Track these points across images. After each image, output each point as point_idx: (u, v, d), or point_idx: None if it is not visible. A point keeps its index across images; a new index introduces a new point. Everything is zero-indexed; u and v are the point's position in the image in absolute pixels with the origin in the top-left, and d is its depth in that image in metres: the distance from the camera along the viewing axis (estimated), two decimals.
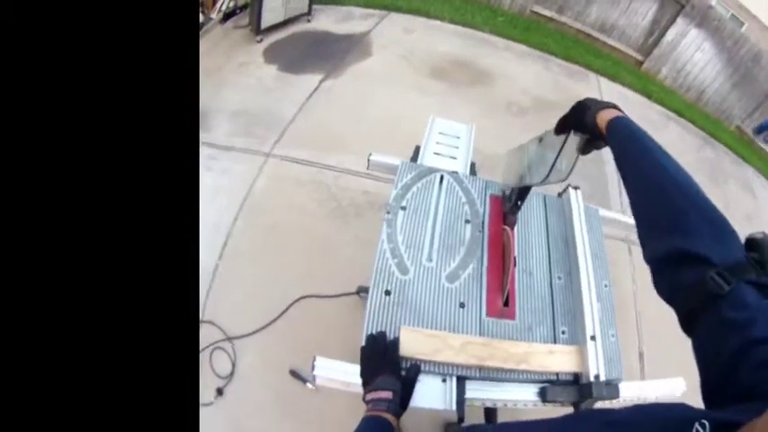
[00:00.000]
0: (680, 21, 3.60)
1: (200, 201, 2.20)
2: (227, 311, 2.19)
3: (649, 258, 0.55)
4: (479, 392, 1.14)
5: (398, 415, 0.81)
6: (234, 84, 2.97)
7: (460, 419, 1.11)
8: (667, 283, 0.51)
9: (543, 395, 1.15)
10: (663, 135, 3.39)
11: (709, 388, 0.41)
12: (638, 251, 2.54)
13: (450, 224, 1.38)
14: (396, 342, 1.01)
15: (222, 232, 2.41)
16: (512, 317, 1.23)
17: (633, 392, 1.26)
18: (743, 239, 0.47)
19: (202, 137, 2.77)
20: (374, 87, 3.06)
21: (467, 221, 1.40)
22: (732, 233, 0.48)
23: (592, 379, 1.13)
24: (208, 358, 2.07)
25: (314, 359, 1.20)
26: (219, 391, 2.01)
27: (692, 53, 3.64)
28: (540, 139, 1.09)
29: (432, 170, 1.50)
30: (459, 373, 1.14)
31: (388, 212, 1.37)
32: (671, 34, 3.70)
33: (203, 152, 2.72)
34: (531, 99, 3.28)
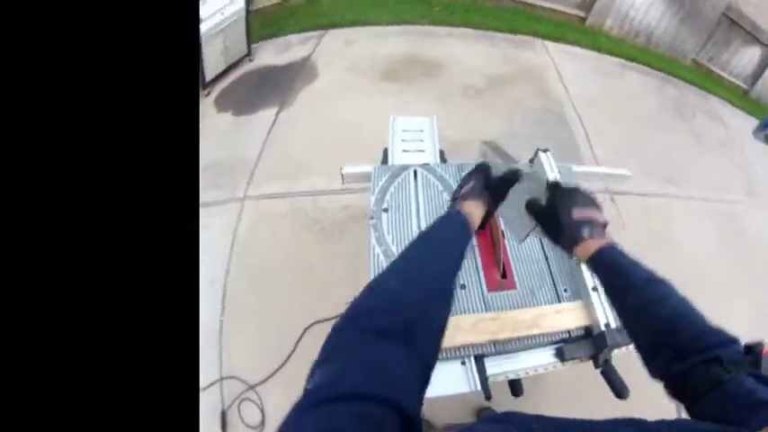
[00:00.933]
0: None
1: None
2: (243, 362, 2.17)
3: (658, 374, 0.59)
4: (499, 367, 1.16)
5: (491, 199, 0.77)
6: None
7: (487, 398, 1.12)
8: (678, 384, 0.56)
9: (561, 355, 1.17)
10: (621, 83, 3.42)
11: None
12: (620, 200, 2.68)
13: (434, 214, 1.40)
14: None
15: (218, 286, 2.39)
16: (512, 287, 1.25)
17: None
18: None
19: None
20: (329, 105, 3.08)
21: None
22: (733, 340, 0.55)
23: (603, 328, 1.15)
24: (237, 413, 2.05)
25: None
26: None
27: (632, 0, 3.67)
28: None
29: (404, 167, 1.52)
30: (476, 353, 1.15)
31: (372, 218, 1.39)
32: None
33: None
34: (485, 78, 3.30)
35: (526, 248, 1.34)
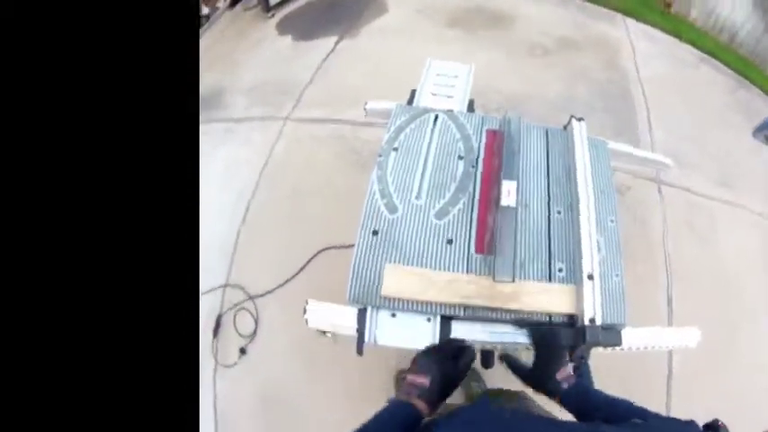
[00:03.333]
0: None
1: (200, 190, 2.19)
2: (250, 273, 2.25)
3: None
4: (465, 333, 1.09)
5: (434, 405, 0.76)
6: (248, 61, 2.99)
7: None
8: None
9: (533, 335, 1.08)
10: (695, 75, 3.16)
11: None
12: (668, 191, 2.47)
13: (443, 161, 1.31)
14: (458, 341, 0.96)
15: (244, 199, 2.45)
16: None
17: (641, 341, 1.16)
18: None
19: (218, 115, 2.81)
20: (392, 42, 2.98)
21: (460, 158, 1.32)
22: (690, 423, 0.61)
23: (587, 322, 1.04)
24: (232, 320, 2.15)
25: (306, 303, 1.20)
26: (243, 351, 2.10)
27: None
28: None
29: (426, 110, 1.42)
30: (444, 312, 1.09)
31: (381, 155, 1.33)
32: None
33: (219, 127, 2.76)
34: (555, 40, 3.09)
35: (530, 217, 1.22)
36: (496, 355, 1.24)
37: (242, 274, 2.26)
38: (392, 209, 1.23)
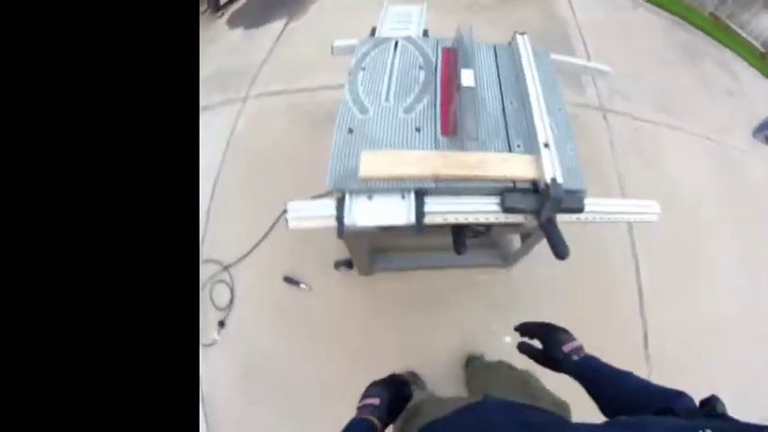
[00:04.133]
0: None
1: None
2: (222, 245, 2.25)
3: None
4: (438, 205, 1.16)
5: (385, 422, 0.85)
6: (202, 57, 3.00)
7: (418, 231, 1.13)
8: None
9: (503, 203, 1.16)
10: (631, 17, 3.31)
11: None
12: (613, 118, 2.63)
13: (406, 73, 1.43)
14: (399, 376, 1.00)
15: (211, 176, 2.46)
16: None
17: (602, 208, 1.27)
18: None
19: None
20: (338, 16, 3.09)
21: (420, 68, 1.43)
22: (684, 395, 0.65)
23: (548, 182, 1.13)
24: (208, 295, 2.13)
25: (285, 205, 1.24)
26: (221, 324, 2.07)
27: None
28: None
29: (386, 39, 1.53)
30: (417, 186, 1.16)
31: (349, 74, 1.43)
32: None
33: None
34: None
35: (487, 107, 1.33)
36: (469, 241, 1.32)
37: (214, 248, 2.25)
38: (364, 111, 1.32)
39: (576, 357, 0.86)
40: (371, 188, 1.17)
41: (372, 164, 1.17)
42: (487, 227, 1.34)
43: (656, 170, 2.49)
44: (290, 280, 2.12)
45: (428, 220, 1.16)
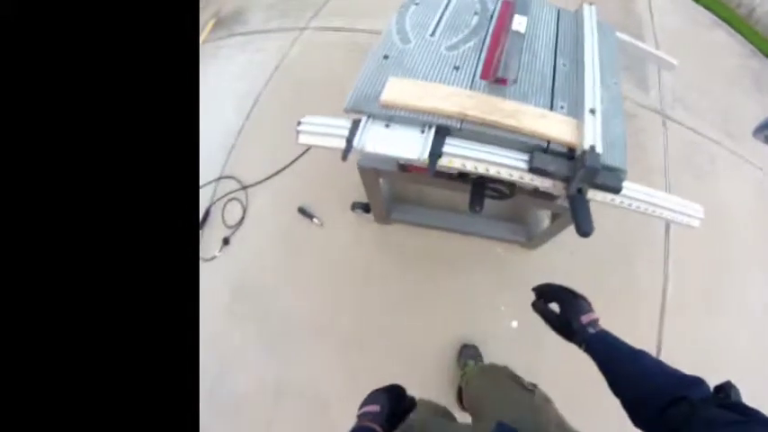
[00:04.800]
0: None
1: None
2: (246, 165, 2.23)
3: (642, 424, 0.65)
4: (459, 149, 1.06)
5: (385, 429, 0.80)
6: None
7: (433, 169, 1.04)
8: (659, 428, 0.61)
9: (531, 162, 1.05)
10: (708, 35, 3.07)
11: None
12: (672, 126, 2.46)
13: (460, 13, 1.33)
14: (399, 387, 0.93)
15: (251, 97, 2.44)
16: (506, 83, 1.12)
17: (641, 196, 1.14)
18: None
19: (238, 29, 2.81)
20: None
21: (476, 13, 1.32)
22: (701, 382, 0.62)
23: (586, 148, 1.00)
24: (221, 211, 2.13)
25: (298, 122, 1.18)
26: (226, 241, 2.06)
27: None
28: None
29: None
30: (440, 123, 1.06)
31: (402, 6, 1.35)
32: None
33: (239, 41, 2.76)
34: None
35: (537, 63, 1.20)
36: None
37: (238, 166, 2.23)
38: (405, 41, 1.23)
39: (592, 330, 0.82)
40: (391, 115, 1.09)
41: (398, 90, 1.08)
42: (511, 189, 1.23)
43: (704, 187, 2.32)
44: (303, 212, 2.08)
45: (444, 162, 1.06)
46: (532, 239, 1.89)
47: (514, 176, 1.07)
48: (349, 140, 1.07)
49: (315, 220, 2.06)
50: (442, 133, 1.07)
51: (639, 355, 0.73)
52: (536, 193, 1.26)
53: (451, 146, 1.06)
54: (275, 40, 2.65)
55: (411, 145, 1.05)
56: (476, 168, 1.07)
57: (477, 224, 1.95)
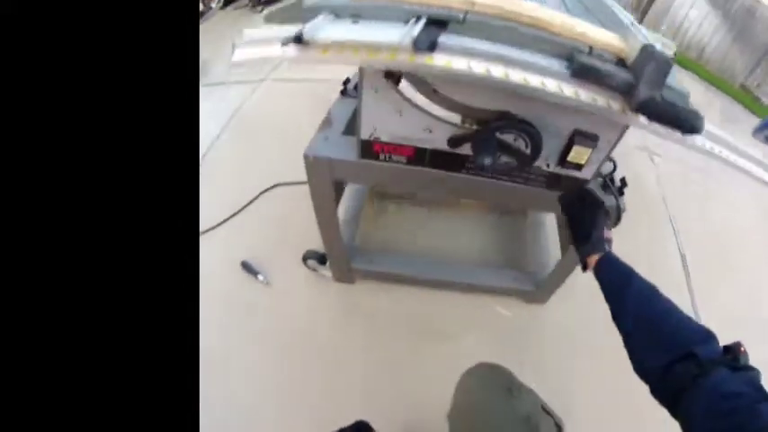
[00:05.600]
0: None
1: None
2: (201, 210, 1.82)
3: (644, 370, 0.62)
4: (462, 48, 0.71)
5: None
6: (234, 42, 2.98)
7: (422, 65, 0.67)
8: (661, 382, 0.58)
9: (573, 62, 0.70)
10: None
11: None
12: (659, 160, 2.43)
13: None
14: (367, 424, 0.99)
15: (204, 145, 2.17)
16: None
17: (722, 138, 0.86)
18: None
19: (203, 81, 2.71)
20: None
21: None
22: (711, 337, 0.58)
23: (647, 46, 0.67)
24: None
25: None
26: None
27: (687, 11, 3.38)
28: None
29: None
30: (433, 12, 0.72)
31: None
32: None
33: (201, 91, 2.62)
34: None
35: None
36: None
37: None
38: None
39: (607, 247, 0.79)
40: (361, 8, 0.74)
41: None
42: (533, 140, 0.85)
43: (707, 210, 2.26)
44: (248, 267, 1.62)
45: (441, 61, 0.69)
46: (540, 287, 1.45)
47: (550, 87, 0.70)
48: (297, 36, 0.70)
49: (260, 276, 1.59)
50: (436, 26, 0.72)
51: (653, 295, 0.68)
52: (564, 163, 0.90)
53: (451, 43, 0.70)
54: (236, 90, 2.51)
55: (388, 32, 0.70)
56: (488, 72, 0.69)
57: (468, 273, 1.52)
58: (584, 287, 1.55)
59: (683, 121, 0.67)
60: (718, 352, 0.56)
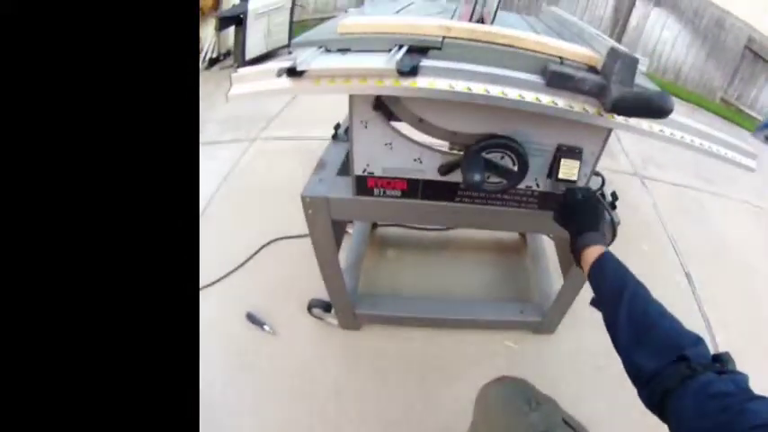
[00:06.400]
0: (639, 3, 3.65)
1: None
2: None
3: (635, 372, 0.62)
4: (445, 72, 0.76)
5: None
6: (223, 102, 3.10)
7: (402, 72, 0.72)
8: (651, 385, 0.59)
9: (547, 74, 0.75)
10: None
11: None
12: (652, 184, 2.54)
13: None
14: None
15: (202, 202, 2.19)
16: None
17: (692, 126, 0.90)
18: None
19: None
20: None
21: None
22: (701, 341, 0.59)
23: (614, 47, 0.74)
24: None
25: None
26: None
27: (659, 33, 3.54)
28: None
29: None
30: (415, 40, 0.78)
31: None
32: (634, 19, 3.66)
33: None
34: None
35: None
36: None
37: None
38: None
39: (601, 240, 0.80)
40: (349, 41, 0.81)
41: (363, 21, 0.83)
42: (519, 157, 0.89)
43: (706, 230, 2.30)
44: (252, 318, 1.60)
45: (424, 83, 0.75)
46: (547, 316, 1.43)
47: (528, 98, 0.74)
48: (291, 68, 0.75)
49: (266, 327, 1.56)
50: (418, 53, 0.78)
51: (645, 297, 0.68)
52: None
53: (433, 68, 0.76)
54: (228, 150, 2.57)
55: (373, 60, 0.75)
56: (470, 89, 0.74)
57: (473, 309, 1.51)
58: (590, 313, 1.56)
59: (655, 105, 0.69)
60: (708, 357, 0.57)
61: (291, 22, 3.81)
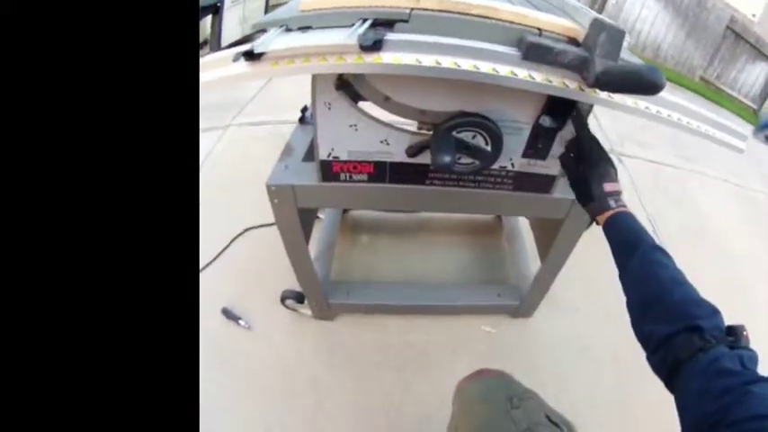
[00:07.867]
0: None
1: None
2: None
3: (644, 336, 0.61)
4: (413, 46, 0.69)
5: None
6: None
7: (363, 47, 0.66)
8: (661, 351, 0.57)
9: (523, 46, 0.69)
10: None
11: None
12: (629, 162, 2.50)
13: None
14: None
15: None
16: None
17: (678, 102, 0.83)
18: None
19: None
20: None
21: None
22: (717, 313, 0.57)
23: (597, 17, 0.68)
24: None
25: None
26: None
27: (639, 11, 3.50)
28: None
29: None
30: (379, 14, 0.71)
31: None
32: None
33: None
34: None
35: None
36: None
37: None
38: None
39: (612, 203, 0.75)
40: (309, 18, 0.74)
41: None
42: (492, 135, 0.84)
43: (686, 210, 2.30)
44: (228, 313, 1.54)
45: (389, 59, 0.68)
46: (525, 300, 1.41)
47: (502, 72, 0.69)
48: (249, 51, 0.68)
49: (241, 322, 1.51)
50: (383, 27, 0.71)
51: (663, 261, 0.65)
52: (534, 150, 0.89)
53: (398, 35, 0.69)
54: (203, 138, 2.47)
55: (334, 36, 0.68)
56: (439, 63, 0.68)
57: (449, 294, 1.47)
58: (569, 296, 1.57)
59: (646, 80, 0.64)
60: (722, 330, 0.55)
61: (267, 7, 3.69)
